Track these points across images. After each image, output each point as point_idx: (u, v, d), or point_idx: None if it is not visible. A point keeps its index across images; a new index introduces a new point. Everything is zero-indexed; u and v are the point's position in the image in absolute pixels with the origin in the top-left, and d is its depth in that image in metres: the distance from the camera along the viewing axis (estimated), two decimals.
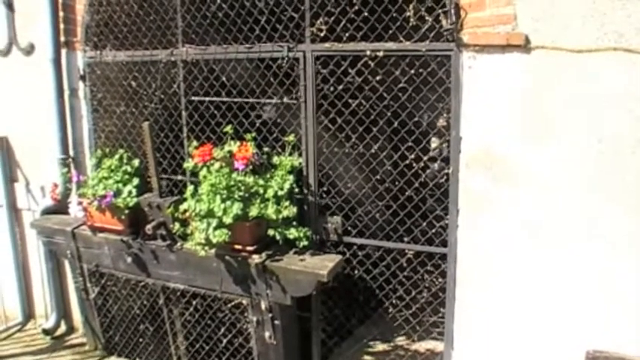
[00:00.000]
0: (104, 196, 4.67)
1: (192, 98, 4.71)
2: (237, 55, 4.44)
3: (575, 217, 3.62)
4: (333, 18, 4.06)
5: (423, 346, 4.89)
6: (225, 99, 4.59)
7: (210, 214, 4.09)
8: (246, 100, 4.57)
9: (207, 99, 4.67)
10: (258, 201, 4.17)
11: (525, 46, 3.56)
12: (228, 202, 4.08)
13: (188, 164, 4.46)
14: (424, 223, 4.16)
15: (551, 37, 3.52)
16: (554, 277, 3.72)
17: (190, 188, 4.31)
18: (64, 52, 5.26)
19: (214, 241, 4.07)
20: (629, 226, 3.50)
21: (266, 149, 4.43)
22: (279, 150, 4.42)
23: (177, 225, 4.44)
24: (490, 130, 3.74)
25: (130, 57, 4.99)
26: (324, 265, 4.10)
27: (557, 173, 3.62)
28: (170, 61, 4.78)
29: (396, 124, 4.11)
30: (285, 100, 4.41)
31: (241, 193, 4.17)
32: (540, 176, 3.66)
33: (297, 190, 4.30)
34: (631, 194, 3.48)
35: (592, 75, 3.46)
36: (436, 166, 4.32)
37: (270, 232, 4.18)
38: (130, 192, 4.71)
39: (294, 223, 4.25)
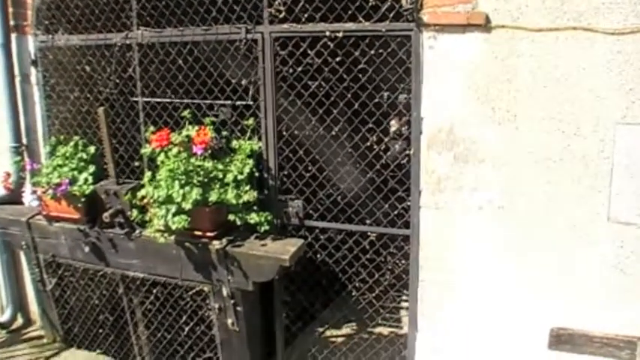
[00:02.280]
0: (59, 185, 4.53)
1: (147, 99, 4.62)
2: (193, 37, 4.34)
3: (537, 198, 3.63)
4: None
5: (386, 328, 4.89)
6: (177, 100, 4.50)
7: (168, 200, 4.00)
8: (201, 101, 4.46)
9: (161, 100, 4.58)
10: (217, 186, 4.10)
11: (486, 26, 3.55)
12: (187, 188, 4.00)
13: (145, 150, 4.35)
14: (386, 205, 4.13)
15: (512, 16, 3.51)
16: (517, 256, 3.73)
17: (148, 174, 4.21)
18: (13, 36, 5.10)
19: (173, 227, 3.99)
20: (589, 206, 3.53)
21: (225, 133, 4.34)
22: (239, 134, 4.34)
23: (135, 212, 4.34)
24: (451, 111, 3.72)
25: (83, 41, 4.85)
26: (286, 249, 4.06)
27: (519, 154, 3.62)
28: (125, 45, 4.65)
29: (356, 105, 4.05)
30: (240, 102, 4.34)
31: (200, 178, 4.09)
32: (502, 157, 3.66)
33: (257, 174, 4.22)
34: (591, 175, 3.49)
35: (552, 54, 3.46)
36: (397, 147, 4.28)
37: (231, 217, 4.11)
38: (85, 179, 4.58)
39: (255, 207, 4.20)
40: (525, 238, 3.70)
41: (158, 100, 4.56)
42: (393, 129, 5.53)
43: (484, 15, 3.53)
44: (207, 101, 4.44)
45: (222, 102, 4.39)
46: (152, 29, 4.48)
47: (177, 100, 4.49)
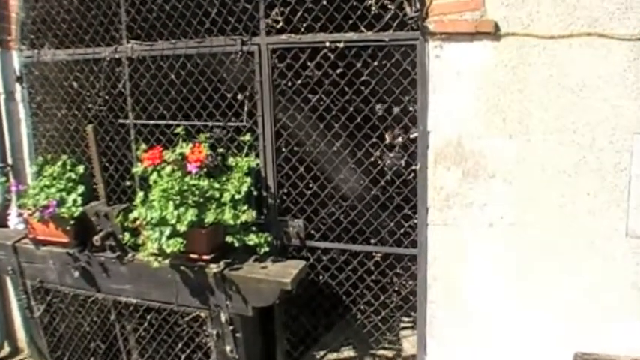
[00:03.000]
0: (47, 207, 4.32)
1: (136, 121, 4.42)
2: (186, 50, 4.14)
3: (551, 214, 3.49)
4: (289, 8, 3.81)
5: (390, 351, 4.69)
6: (168, 122, 4.31)
7: (162, 222, 3.80)
8: (192, 123, 4.25)
9: (148, 122, 4.39)
10: (214, 206, 3.90)
11: (495, 34, 3.40)
12: (182, 209, 3.80)
13: (137, 169, 4.14)
14: (392, 224, 3.95)
15: (522, 24, 3.38)
16: (531, 275, 3.58)
17: (140, 195, 4.00)
18: None
19: (168, 250, 3.78)
20: (606, 222, 3.38)
21: (221, 150, 4.14)
22: (235, 151, 4.14)
23: (127, 235, 4.12)
24: (459, 124, 3.57)
25: (70, 56, 4.64)
26: (287, 272, 3.86)
27: (531, 167, 3.48)
28: (114, 59, 4.45)
29: (359, 119, 3.87)
30: (233, 124, 4.16)
31: (195, 198, 3.89)
32: (513, 171, 3.52)
33: (255, 193, 4.02)
34: (608, 188, 3.35)
35: (565, 62, 3.33)
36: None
37: (228, 238, 3.91)
38: (74, 201, 4.37)
39: (254, 228, 4.00)
40: (539, 255, 3.54)
41: (148, 122, 4.38)
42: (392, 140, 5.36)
43: (493, 22, 3.38)
44: (199, 123, 4.24)
45: (215, 124, 4.20)
46: (142, 42, 4.28)
47: (168, 122, 4.30)
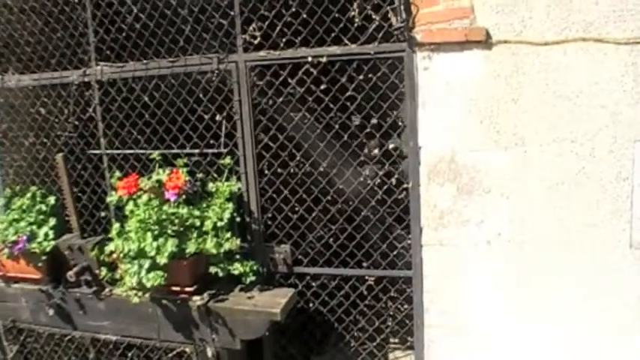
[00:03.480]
0: (16, 242, 4.07)
1: (109, 151, 4.18)
2: (159, 71, 3.92)
3: (551, 227, 3.34)
4: (267, 23, 3.62)
5: None
6: (142, 151, 4.07)
7: (141, 254, 3.57)
8: (167, 151, 3.98)
9: (122, 152, 4.15)
10: (195, 235, 3.69)
11: (486, 42, 3.25)
12: (162, 239, 3.57)
13: (111, 198, 3.89)
14: (384, 245, 3.75)
15: (514, 30, 3.23)
16: (532, 292, 3.43)
17: (116, 226, 3.75)
18: None
19: (148, 285, 3.55)
20: (609, 233, 3.25)
21: (200, 175, 3.91)
22: (215, 175, 3.92)
23: (104, 270, 3.87)
24: (452, 138, 3.40)
25: (36, 81, 4.36)
26: (276, 302, 3.65)
27: (529, 180, 3.34)
28: (83, 83, 4.19)
29: (345, 137, 3.68)
30: (211, 150, 3.94)
31: (175, 228, 3.67)
32: (510, 185, 3.37)
33: (238, 219, 3.80)
34: (610, 199, 3.22)
35: (561, 69, 3.20)
36: (393, 180, 3.88)
37: (212, 269, 3.69)
38: (46, 234, 4.12)
39: (238, 256, 3.78)
40: (539, 271, 3.39)
41: (122, 151, 4.14)
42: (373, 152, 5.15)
43: (484, 30, 3.22)
44: (174, 151, 3.98)
45: (191, 151, 3.97)
46: (113, 64, 4.05)
47: (139, 151, 4.07)
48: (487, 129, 3.32)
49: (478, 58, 3.27)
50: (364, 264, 3.84)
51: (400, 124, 3.58)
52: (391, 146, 4.17)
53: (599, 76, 3.12)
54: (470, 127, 3.34)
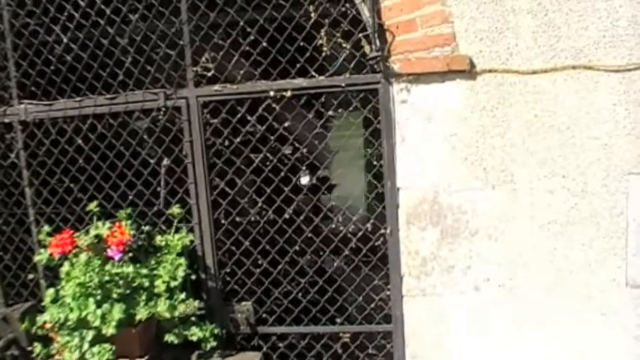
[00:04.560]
0: None
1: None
2: (95, 109, 3.42)
3: (543, 269, 3.12)
4: (222, 53, 3.21)
5: None
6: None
7: (82, 324, 3.03)
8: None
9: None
10: (143, 297, 3.17)
11: (470, 71, 3.01)
12: (106, 305, 3.04)
13: (40, 256, 3.30)
14: (360, 298, 3.37)
15: (500, 58, 3.00)
16: (525, 339, 3.18)
17: (50, 292, 3.18)
18: None
19: None
20: (604, 272, 3.04)
21: (146, 228, 3.41)
22: (163, 227, 3.44)
23: (38, 346, 3.28)
24: (434, 177, 3.13)
25: None
26: None
27: (519, 220, 3.10)
28: (3, 124, 3.61)
29: (314, 180, 3.29)
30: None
31: (121, 290, 3.14)
32: (499, 225, 3.13)
33: (193, 276, 3.33)
34: (604, 236, 3.01)
35: (550, 99, 2.99)
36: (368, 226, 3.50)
37: (167, 337, 3.19)
38: None
39: (194, 318, 3.29)
40: (531, 317, 3.15)
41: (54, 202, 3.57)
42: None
43: (467, 59, 2.98)
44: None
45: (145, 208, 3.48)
46: (39, 102, 3.49)
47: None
48: (473, 166, 3.06)
49: (461, 88, 3.02)
50: (338, 319, 3.44)
51: (375, 162, 3.22)
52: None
53: (590, 105, 2.94)
54: (454, 165, 3.08)
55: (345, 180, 4.83)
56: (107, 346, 3.01)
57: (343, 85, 3.13)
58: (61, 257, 3.23)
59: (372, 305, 3.44)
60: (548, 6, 2.91)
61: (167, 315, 3.14)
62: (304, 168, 3.40)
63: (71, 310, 3.07)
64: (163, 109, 3.33)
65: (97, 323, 3.01)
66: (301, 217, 3.32)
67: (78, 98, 3.46)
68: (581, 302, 3.08)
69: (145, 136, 3.44)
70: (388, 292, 3.31)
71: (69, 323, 3.07)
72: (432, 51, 3.00)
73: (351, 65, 3.14)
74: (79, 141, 3.49)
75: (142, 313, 3.11)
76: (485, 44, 2.97)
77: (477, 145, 3.03)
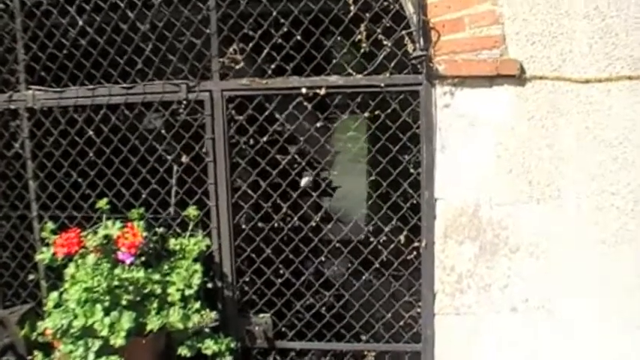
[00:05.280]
0: None
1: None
2: (110, 99, 3.15)
3: (587, 292, 2.92)
4: (252, 44, 2.98)
5: None
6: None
7: (88, 332, 2.75)
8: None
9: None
10: (154, 305, 2.92)
11: (520, 77, 2.81)
12: (115, 313, 2.78)
13: (42, 255, 3.02)
14: (388, 315, 3.16)
15: (552, 65, 2.80)
16: None
17: (54, 296, 2.91)
18: None
19: None
20: None
21: (160, 230, 3.16)
22: (178, 230, 3.19)
23: (38, 354, 3.01)
24: (475, 188, 2.93)
25: None
26: None
27: (563, 238, 2.91)
28: (9, 110, 3.33)
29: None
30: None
31: (131, 297, 2.88)
32: (541, 243, 2.94)
33: (210, 284, 3.08)
34: None
35: (603, 111, 2.80)
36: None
37: (180, 349, 2.94)
38: None
39: (207, 329, 3.04)
40: (572, 343, 2.95)
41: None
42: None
43: (518, 64, 2.78)
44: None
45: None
46: (48, 88, 3.22)
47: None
48: (517, 178, 2.87)
49: (509, 95, 2.83)
50: (363, 337, 3.22)
51: (412, 170, 3.01)
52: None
53: None
54: (497, 176, 2.89)
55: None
56: (115, 358, 2.73)
57: (382, 85, 2.91)
58: (65, 258, 2.98)
59: (401, 323, 3.21)
60: (606, 11, 2.72)
61: (180, 326, 2.88)
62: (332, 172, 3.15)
63: (76, 316, 2.79)
64: (185, 102, 3.08)
65: (104, 332, 2.74)
66: (329, 226, 3.10)
67: (91, 86, 3.18)
68: (629, 332, 2.89)
69: (163, 131, 3.19)
70: (418, 310, 3.08)
71: (73, 331, 2.77)
72: (479, 53, 2.80)
73: (392, 65, 2.92)
74: (91, 133, 3.21)
75: (153, 323, 2.85)
76: (537, 49, 2.77)
77: (524, 156, 2.84)
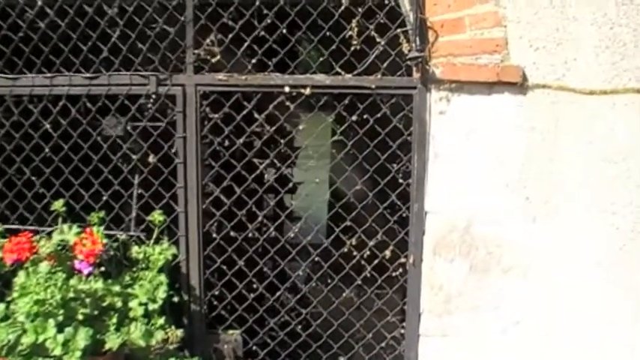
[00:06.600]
0: None
1: None
2: (70, 89, 2.85)
3: (584, 317, 2.79)
4: (231, 35, 2.72)
5: None
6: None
7: (39, 350, 2.47)
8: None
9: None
10: (114, 320, 2.65)
11: (522, 85, 2.62)
12: (69, 329, 2.50)
13: None
14: (369, 335, 2.94)
15: (556, 73, 2.62)
16: None
17: (0, 307, 2.61)
18: None
19: None
20: None
21: (122, 237, 2.88)
22: (141, 236, 2.91)
23: None
24: (469, 202, 2.76)
25: None
26: None
27: (559, 259, 2.77)
28: None
29: (327, 194, 2.84)
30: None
31: (88, 311, 2.60)
32: (536, 264, 2.80)
33: (175, 298, 2.82)
34: None
35: (607, 126, 2.64)
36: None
37: None
38: None
39: (171, 347, 2.78)
40: None
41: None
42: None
43: (520, 70, 2.59)
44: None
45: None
46: (1, 75, 2.89)
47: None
48: (513, 194, 2.70)
49: (509, 104, 2.66)
50: (341, 358, 3.00)
51: (401, 181, 2.79)
52: None
53: None
54: (492, 191, 2.72)
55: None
56: None
57: (373, 86, 2.68)
58: (14, 264, 2.69)
59: (383, 344, 3.02)
60: (615, 18, 2.55)
61: (142, 343, 2.62)
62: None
63: (25, 331, 2.51)
64: (154, 96, 2.81)
65: (57, 351, 2.45)
66: (308, 238, 2.86)
67: (49, 75, 2.87)
68: (625, 354, 2.75)
69: (129, 128, 2.90)
70: (402, 331, 2.91)
71: (21, 348, 2.50)
72: (479, 57, 2.61)
73: (384, 65, 2.70)
74: (47, 126, 2.90)
75: (112, 341, 2.57)
76: (541, 55, 2.60)
77: (522, 169, 2.67)
